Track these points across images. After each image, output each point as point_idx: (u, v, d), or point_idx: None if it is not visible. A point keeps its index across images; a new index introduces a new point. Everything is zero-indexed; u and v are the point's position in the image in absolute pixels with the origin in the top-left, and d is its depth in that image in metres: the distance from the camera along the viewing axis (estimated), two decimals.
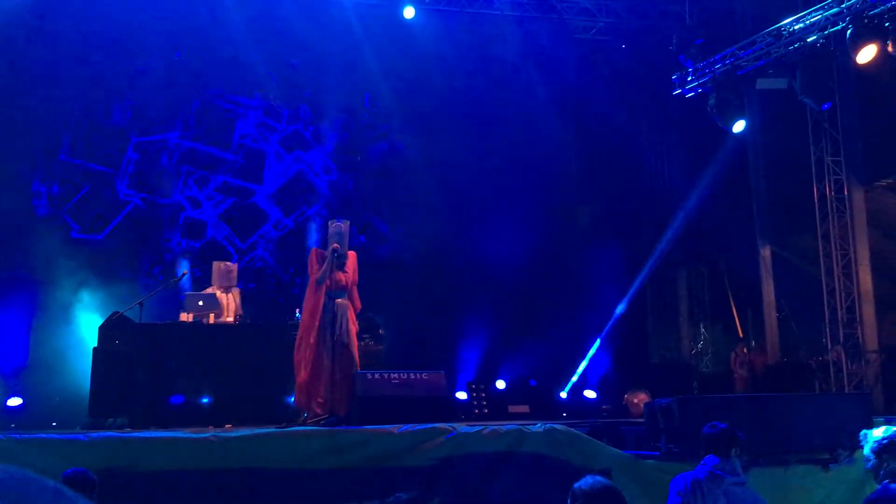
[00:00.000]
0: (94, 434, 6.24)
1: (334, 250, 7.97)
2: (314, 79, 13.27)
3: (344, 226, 8.14)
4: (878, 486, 4.08)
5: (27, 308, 11.41)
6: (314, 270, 8.03)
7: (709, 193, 13.30)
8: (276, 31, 12.71)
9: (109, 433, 6.47)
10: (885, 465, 4.11)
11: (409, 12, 12.59)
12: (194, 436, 6.20)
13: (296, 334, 8.64)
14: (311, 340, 7.87)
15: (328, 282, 7.95)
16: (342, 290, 8.04)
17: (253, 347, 9.11)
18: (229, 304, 9.35)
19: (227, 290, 9.51)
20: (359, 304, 8.21)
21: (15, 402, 10.43)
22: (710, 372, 14.09)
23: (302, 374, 7.88)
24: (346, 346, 7.92)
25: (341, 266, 8.03)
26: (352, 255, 8.18)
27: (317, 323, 7.88)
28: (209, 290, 9.59)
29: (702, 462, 4.66)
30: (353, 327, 8.09)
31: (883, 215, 12.02)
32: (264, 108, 13.36)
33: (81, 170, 12.35)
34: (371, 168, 13.65)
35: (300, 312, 9.64)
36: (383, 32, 12.81)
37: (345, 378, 7.86)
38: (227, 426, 7.78)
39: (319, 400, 7.79)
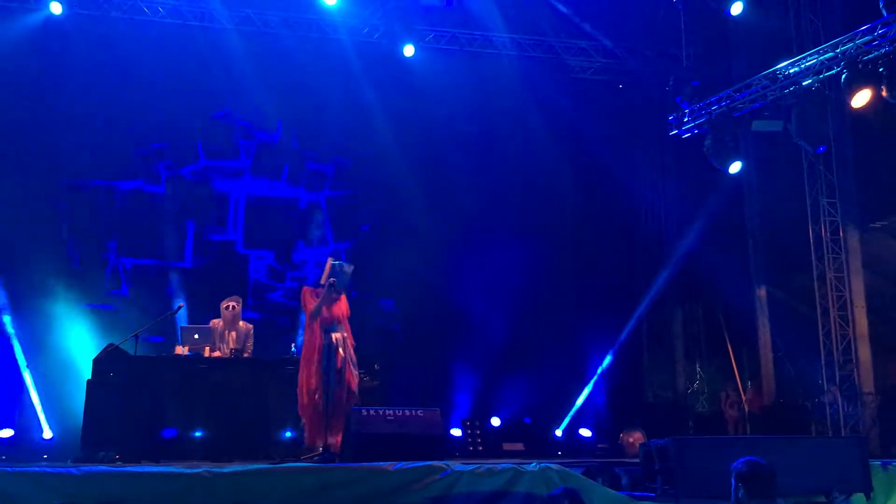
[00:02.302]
0: (86, 468, 6.18)
1: (331, 285, 7.99)
2: (313, 115, 13.33)
3: (349, 268, 8.18)
4: None
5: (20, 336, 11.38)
6: (309, 307, 8.09)
7: (704, 233, 13.33)
8: (276, 69, 12.78)
9: (101, 467, 6.41)
10: None
11: (408, 50, 12.72)
12: (186, 471, 6.15)
13: (290, 369, 8.66)
14: (310, 375, 7.88)
15: (321, 317, 7.98)
16: (338, 322, 8.05)
17: (247, 382, 9.07)
18: (229, 337, 9.30)
19: (230, 325, 9.43)
20: (352, 340, 8.23)
21: (6, 433, 10.34)
22: (706, 412, 14.01)
23: (304, 408, 7.91)
24: (345, 380, 7.90)
25: (335, 299, 8.07)
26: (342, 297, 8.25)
27: (315, 358, 7.89)
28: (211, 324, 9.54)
29: None
30: (352, 358, 8.09)
31: (878, 257, 12.06)
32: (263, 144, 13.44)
33: None
34: (367, 202, 13.68)
35: (295, 347, 9.69)
36: (383, 70, 12.92)
37: (340, 414, 7.84)
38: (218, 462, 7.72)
39: (320, 431, 7.80)
